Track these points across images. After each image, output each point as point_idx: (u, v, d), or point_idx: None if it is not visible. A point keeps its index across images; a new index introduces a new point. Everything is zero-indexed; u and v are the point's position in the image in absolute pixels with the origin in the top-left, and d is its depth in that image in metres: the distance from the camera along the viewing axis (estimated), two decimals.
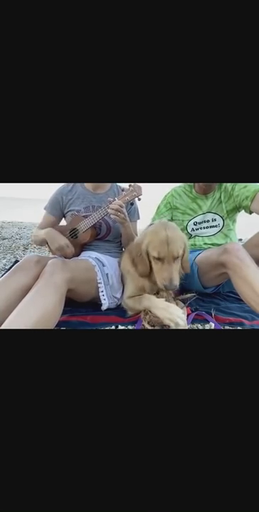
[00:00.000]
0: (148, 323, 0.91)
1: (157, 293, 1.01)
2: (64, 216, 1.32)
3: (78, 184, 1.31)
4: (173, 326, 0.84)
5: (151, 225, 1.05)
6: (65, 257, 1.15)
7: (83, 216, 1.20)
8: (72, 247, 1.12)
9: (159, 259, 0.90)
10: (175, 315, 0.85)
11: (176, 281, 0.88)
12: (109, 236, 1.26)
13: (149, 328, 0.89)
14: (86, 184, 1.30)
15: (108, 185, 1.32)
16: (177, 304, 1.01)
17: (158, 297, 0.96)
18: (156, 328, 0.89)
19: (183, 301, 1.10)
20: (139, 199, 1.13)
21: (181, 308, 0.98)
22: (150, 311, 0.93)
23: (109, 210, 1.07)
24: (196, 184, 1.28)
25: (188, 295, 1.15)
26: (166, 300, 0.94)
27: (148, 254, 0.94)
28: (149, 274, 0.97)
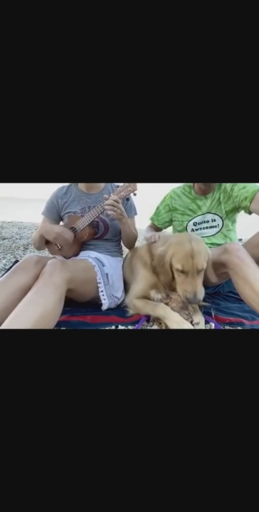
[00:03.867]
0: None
1: (167, 296, 0.99)
2: (61, 219, 1.32)
3: (73, 186, 1.31)
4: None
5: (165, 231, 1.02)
6: (65, 257, 1.15)
7: (80, 216, 1.20)
8: (69, 231, 1.12)
9: (182, 272, 0.88)
10: None
11: (201, 295, 0.85)
12: (108, 234, 1.25)
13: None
14: (80, 185, 1.30)
15: (102, 184, 1.32)
16: (193, 309, 0.98)
17: (172, 302, 0.94)
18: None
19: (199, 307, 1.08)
20: (135, 194, 1.14)
21: (192, 310, 0.96)
22: (162, 321, 0.92)
23: (105, 207, 1.07)
24: (196, 185, 1.28)
25: (203, 303, 1.13)
26: (182, 307, 0.92)
27: (171, 265, 0.92)
28: (170, 283, 0.96)
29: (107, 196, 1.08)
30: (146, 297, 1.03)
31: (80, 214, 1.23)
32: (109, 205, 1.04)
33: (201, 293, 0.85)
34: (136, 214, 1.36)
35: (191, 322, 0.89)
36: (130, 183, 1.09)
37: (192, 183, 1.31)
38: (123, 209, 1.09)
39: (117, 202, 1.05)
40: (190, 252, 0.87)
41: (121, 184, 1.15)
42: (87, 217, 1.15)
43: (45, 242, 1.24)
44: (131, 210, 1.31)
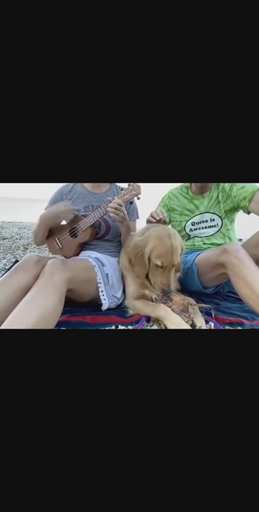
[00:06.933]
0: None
1: (165, 295, 0.98)
2: None
3: (78, 184, 1.32)
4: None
5: (147, 225, 1.04)
6: (66, 257, 1.15)
7: (82, 215, 1.21)
8: (69, 203, 1.19)
9: (161, 266, 0.92)
10: None
11: (173, 286, 0.95)
12: (109, 235, 1.26)
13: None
14: (86, 184, 1.31)
15: (107, 185, 1.33)
16: (193, 310, 0.97)
17: (172, 304, 0.94)
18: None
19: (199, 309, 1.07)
20: (138, 198, 1.14)
21: (193, 312, 0.95)
22: (162, 321, 0.91)
23: (108, 209, 1.07)
24: (193, 184, 1.28)
25: (203, 305, 1.13)
26: (183, 310, 0.92)
27: (149, 259, 0.94)
28: (145, 275, 0.99)
29: (110, 199, 1.08)
30: (143, 297, 1.03)
31: (83, 212, 1.23)
32: (112, 207, 1.05)
33: (173, 283, 0.96)
34: (138, 218, 1.37)
35: (191, 325, 0.88)
36: (134, 187, 1.09)
37: (189, 184, 1.31)
38: (125, 213, 1.10)
39: (121, 205, 1.06)
40: (170, 249, 0.90)
41: (125, 187, 1.16)
42: (89, 219, 1.16)
43: (46, 237, 1.25)
44: (133, 214, 1.33)
